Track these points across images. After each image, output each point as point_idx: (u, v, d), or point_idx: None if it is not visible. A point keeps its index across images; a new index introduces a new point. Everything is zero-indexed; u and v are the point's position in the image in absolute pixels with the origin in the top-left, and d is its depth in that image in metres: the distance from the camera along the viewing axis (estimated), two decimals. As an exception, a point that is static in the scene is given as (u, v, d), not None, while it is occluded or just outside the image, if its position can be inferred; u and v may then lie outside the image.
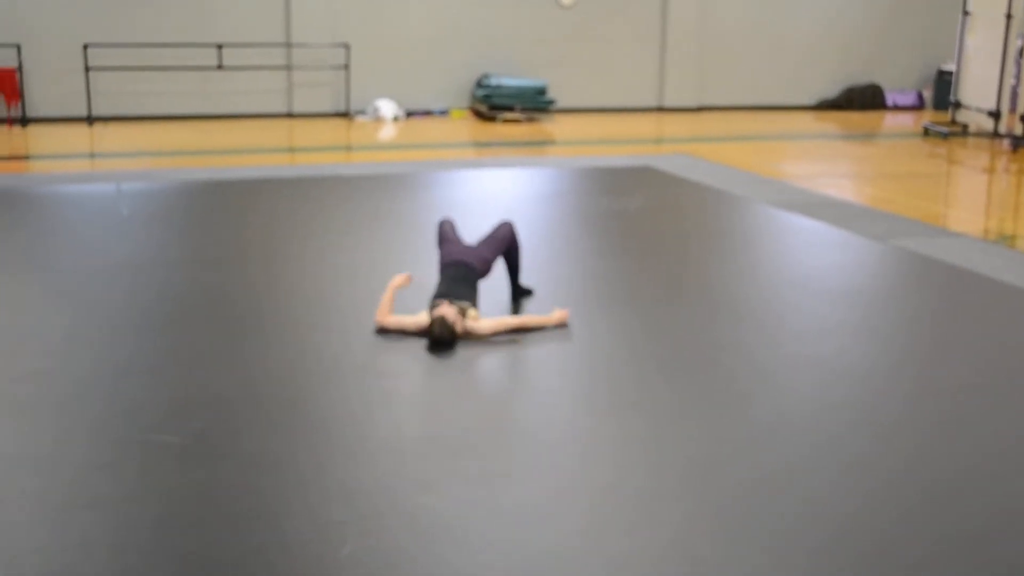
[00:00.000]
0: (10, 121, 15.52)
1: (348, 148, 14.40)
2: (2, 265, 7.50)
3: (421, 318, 5.95)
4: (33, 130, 15.13)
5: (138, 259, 7.69)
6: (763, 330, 6.32)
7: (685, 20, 18.60)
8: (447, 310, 5.83)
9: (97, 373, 5.41)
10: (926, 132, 15.77)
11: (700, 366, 5.69)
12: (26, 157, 13.14)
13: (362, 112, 17.15)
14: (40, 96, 15.87)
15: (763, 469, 4.42)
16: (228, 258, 7.86)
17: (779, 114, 18.86)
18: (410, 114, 17.39)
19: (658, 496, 4.17)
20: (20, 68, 15.45)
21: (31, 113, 15.80)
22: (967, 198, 11.59)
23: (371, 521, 3.90)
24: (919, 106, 19.77)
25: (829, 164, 13.25)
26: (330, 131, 15.72)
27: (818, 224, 9.13)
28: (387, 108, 16.94)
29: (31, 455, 4.43)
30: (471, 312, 5.94)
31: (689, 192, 10.68)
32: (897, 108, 19.61)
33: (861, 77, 19.83)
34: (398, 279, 6.28)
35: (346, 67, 16.87)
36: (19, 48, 15.42)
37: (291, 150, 14.36)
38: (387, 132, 15.83)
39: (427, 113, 17.58)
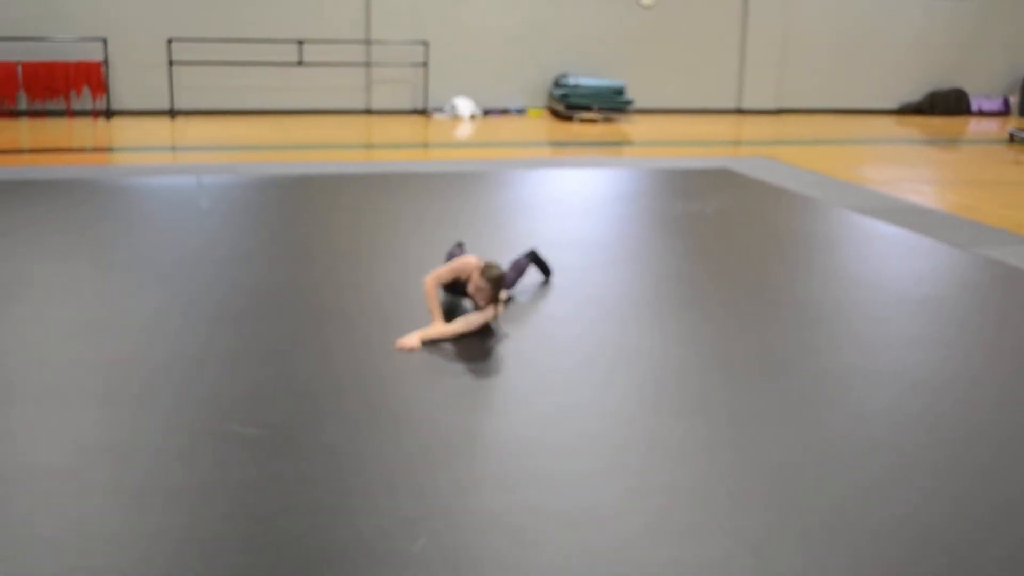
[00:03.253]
0: (95, 114, 15.81)
1: (425, 145, 14.47)
2: (84, 255, 7.64)
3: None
4: (117, 123, 15.40)
5: (217, 252, 7.78)
6: (839, 336, 6.22)
7: (766, 22, 18.44)
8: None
9: (176, 363, 5.48)
10: (1011, 138, 15.47)
11: (774, 371, 5.62)
12: (109, 149, 13.38)
13: (440, 110, 17.22)
14: (124, 89, 16.16)
15: (837, 477, 4.35)
16: (305, 252, 7.93)
17: (860, 118, 18.63)
18: (487, 112, 17.43)
19: (728, 502, 4.12)
20: (106, 61, 15.73)
21: (115, 106, 16.08)
22: (1053, 206, 11.34)
23: (441, 519, 3.90)
24: (1005, 112, 19.43)
25: (910, 169, 13.04)
26: (407, 128, 15.80)
27: (898, 230, 8.99)
28: (464, 106, 17.00)
29: (109, 443, 4.49)
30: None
31: (767, 195, 10.58)
32: (982, 113, 19.28)
33: (945, 81, 19.53)
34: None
35: (425, 65, 16.95)
36: (105, 42, 15.71)
37: (368, 147, 14.46)
38: (464, 130, 15.88)
39: (504, 112, 17.61)
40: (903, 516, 4.03)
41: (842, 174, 12.09)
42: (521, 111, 17.68)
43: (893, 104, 19.51)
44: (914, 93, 19.53)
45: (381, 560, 3.62)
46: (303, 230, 8.74)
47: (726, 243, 8.69)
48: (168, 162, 12.36)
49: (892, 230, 9.01)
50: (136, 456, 4.38)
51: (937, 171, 13.29)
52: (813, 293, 7.13)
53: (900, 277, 7.58)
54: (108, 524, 3.82)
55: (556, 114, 17.36)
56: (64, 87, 15.57)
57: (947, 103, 19.17)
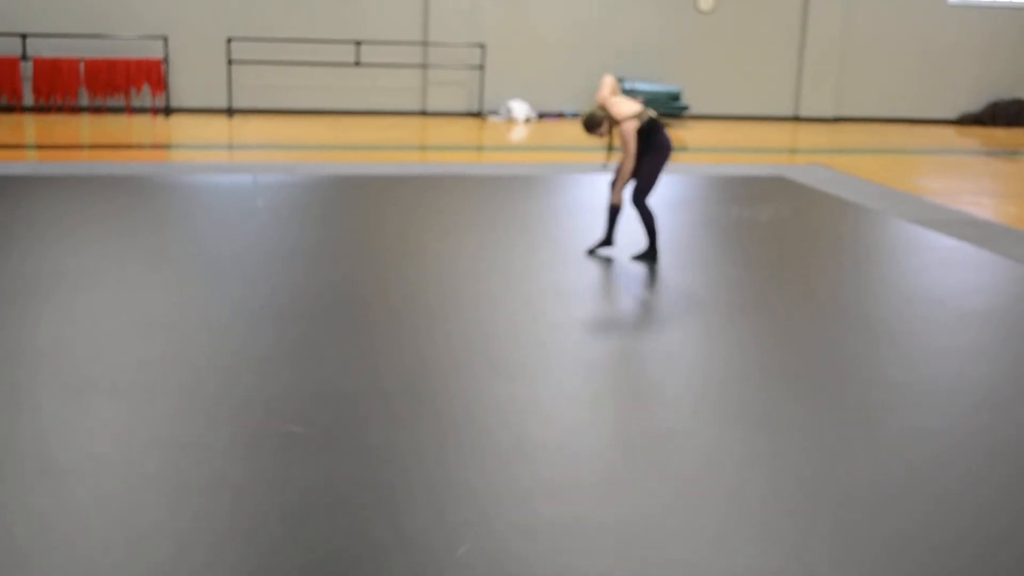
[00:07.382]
0: (155, 111, 15.98)
1: (479, 148, 14.48)
2: (141, 251, 7.73)
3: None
4: (176, 120, 15.56)
5: (271, 250, 7.84)
6: (893, 347, 6.15)
7: (825, 29, 18.29)
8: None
9: (227, 360, 5.52)
10: (1074, 151, 15.24)
11: (827, 380, 5.57)
12: (168, 146, 13.53)
13: (495, 112, 17.24)
14: (183, 87, 16.33)
15: (883, 486, 4.30)
16: (358, 252, 7.97)
17: (919, 127, 18.42)
18: (542, 116, 17.43)
19: (779, 510, 4.08)
20: (166, 59, 15.91)
21: (175, 103, 16.26)
22: (1116, 221, 11.15)
23: (488, 523, 3.90)
24: (1068, 124, 19.11)
25: (970, 181, 12.87)
26: (462, 131, 15.83)
27: (956, 242, 8.88)
28: (519, 109, 17.01)
29: (162, 438, 4.54)
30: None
31: (823, 204, 10.49)
32: (1044, 125, 18.99)
33: (1007, 92, 19.26)
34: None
35: (481, 67, 16.98)
36: (166, 40, 15.88)
37: (423, 148, 14.50)
38: (518, 133, 15.88)
39: (559, 115, 17.60)
40: (937, 528, 3.98)
41: (900, 184, 11.97)
42: (576, 115, 17.66)
43: (953, 114, 19.27)
44: (975, 103, 19.28)
45: (423, 563, 3.62)
46: (356, 230, 8.78)
47: (779, 252, 8.62)
48: (225, 160, 12.47)
49: (950, 242, 8.90)
50: (188, 451, 4.42)
51: (997, 183, 13.11)
52: (867, 304, 7.06)
53: (955, 289, 7.48)
54: (156, 517, 3.86)
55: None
56: (125, 84, 15.76)
57: (1008, 114, 18.90)
